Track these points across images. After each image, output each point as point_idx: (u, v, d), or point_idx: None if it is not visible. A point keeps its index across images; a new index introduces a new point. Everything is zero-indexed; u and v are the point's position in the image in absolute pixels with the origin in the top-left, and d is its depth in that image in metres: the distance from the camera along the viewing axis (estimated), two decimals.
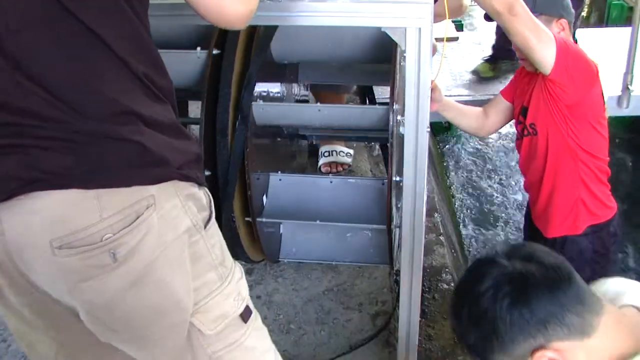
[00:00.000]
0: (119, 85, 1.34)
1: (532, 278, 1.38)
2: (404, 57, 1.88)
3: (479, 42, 5.30)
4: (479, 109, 3.05)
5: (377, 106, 2.58)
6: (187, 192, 1.46)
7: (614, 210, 2.86)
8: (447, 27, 4.86)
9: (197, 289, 1.51)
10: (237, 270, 1.66)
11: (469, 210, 5.42)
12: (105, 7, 1.32)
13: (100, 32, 1.30)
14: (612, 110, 4.17)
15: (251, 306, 1.67)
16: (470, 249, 5.00)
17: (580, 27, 6.47)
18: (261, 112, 2.59)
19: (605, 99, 2.78)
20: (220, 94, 2.37)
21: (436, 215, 3.92)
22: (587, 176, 2.71)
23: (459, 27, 5.78)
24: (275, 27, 2.48)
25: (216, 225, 1.59)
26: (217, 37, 2.43)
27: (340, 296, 3.24)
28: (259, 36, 2.48)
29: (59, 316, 1.51)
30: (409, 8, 1.75)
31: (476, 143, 6.25)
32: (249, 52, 2.48)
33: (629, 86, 4.02)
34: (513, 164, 5.88)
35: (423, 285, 3.25)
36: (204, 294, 1.53)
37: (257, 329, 1.69)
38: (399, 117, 2.28)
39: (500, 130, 6.32)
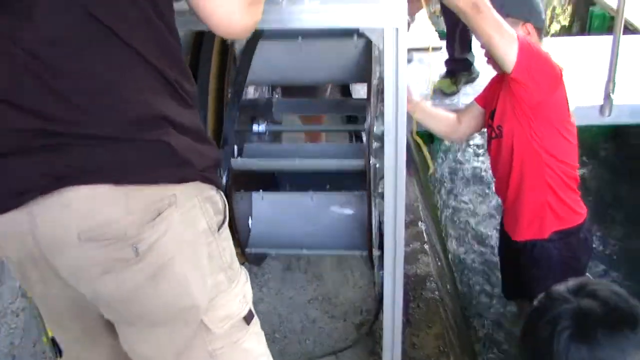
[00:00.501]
0: (151, 90, 1.41)
1: (595, 316, 1.36)
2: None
3: None
4: (452, 115, 3.10)
5: (352, 161, 2.64)
6: (206, 194, 1.54)
7: (583, 216, 2.88)
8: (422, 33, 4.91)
9: (210, 289, 1.58)
10: (242, 274, 1.73)
11: (452, 219, 5.43)
12: (135, 17, 1.38)
13: (132, 42, 1.37)
14: (594, 118, 4.20)
15: (253, 310, 1.73)
16: (454, 258, 5.01)
17: (562, 36, 6.51)
18: (239, 164, 2.61)
19: (580, 107, 2.82)
20: None
21: (420, 224, 3.92)
22: (553, 180, 2.73)
23: (442, 35, 5.80)
24: (246, 73, 2.51)
25: (228, 230, 1.65)
26: None
27: (325, 305, 3.24)
28: (231, 86, 2.49)
29: (83, 306, 1.59)
30: (386, 9, 1.79)
31: (461, 152, 6.27)
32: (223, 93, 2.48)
33: (611, 94, 4.04)
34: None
35: (407, 293, 3.26)
36: (214, 294, 1.59)
37: (256, 333, 1.75)
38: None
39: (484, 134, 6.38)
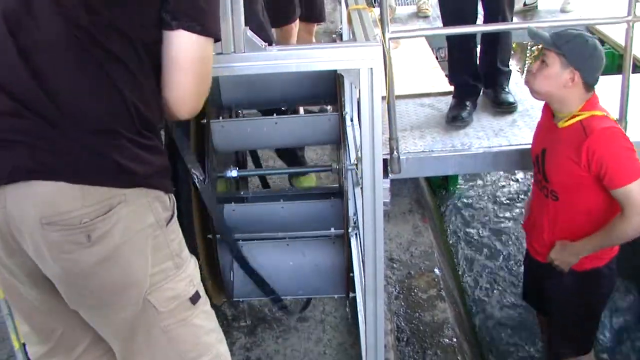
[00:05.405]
0: (112, 111, 1.70)
1: None
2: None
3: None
4: None
5: (328, 114, 3.03)
6: (154, 194, 1.80)
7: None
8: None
9: (156, 274, 1.84)
10: (192, 262, 1.98)
11: (469, 264, 5.39)
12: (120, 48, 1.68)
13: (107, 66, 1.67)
14: None
15: (201, 292, 1.98)
16: (472, 303, 4.96)
17: None
18: (220, 129, 2.85)
19: None
20: None
21: (436, 270, 3.89)
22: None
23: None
24: None
25: (177, 224, 1.92)
26: None
27: (341, 355, 3.22)
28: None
29: (41, 278, 1.83)
30: (361, 51, 1.97)
31: (474, 196, 6.25)
32: None
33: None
34: (509, 215, 5.90)
35: (424, 341, 3.23)
36: (161, 278, 1.85)
37: (205, 311, 2.00)
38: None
39: (498, 184, 6.37)
